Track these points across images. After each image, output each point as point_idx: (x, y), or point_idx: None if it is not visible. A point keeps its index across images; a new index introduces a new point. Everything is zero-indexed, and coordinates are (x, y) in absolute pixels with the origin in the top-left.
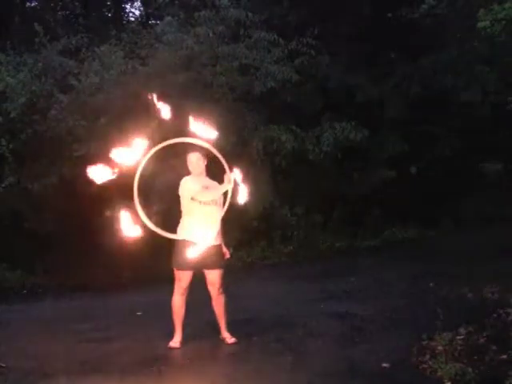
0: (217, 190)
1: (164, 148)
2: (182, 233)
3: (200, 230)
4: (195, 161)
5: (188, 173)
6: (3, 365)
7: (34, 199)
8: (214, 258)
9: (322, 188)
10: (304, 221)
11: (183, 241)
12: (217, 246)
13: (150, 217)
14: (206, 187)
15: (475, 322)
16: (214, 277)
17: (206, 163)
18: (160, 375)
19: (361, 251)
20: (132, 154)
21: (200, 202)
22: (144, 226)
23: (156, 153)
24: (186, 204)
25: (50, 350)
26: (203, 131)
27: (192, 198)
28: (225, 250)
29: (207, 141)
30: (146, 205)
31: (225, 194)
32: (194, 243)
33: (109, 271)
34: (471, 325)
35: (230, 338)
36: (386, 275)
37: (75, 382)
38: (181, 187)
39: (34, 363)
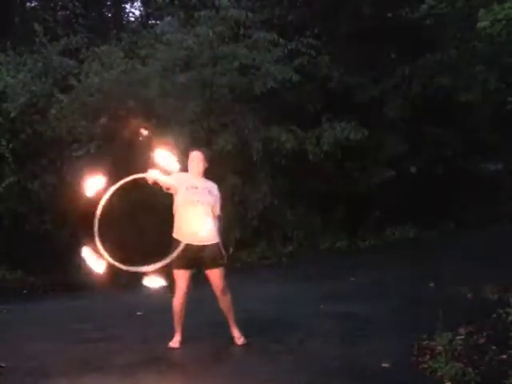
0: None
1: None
2: (175, 232)
3: (188, 229)
4: (196, 160)
5: (186, 170)
6: (3, 365)
7: (34, 199)
8: (212, 257)
9: (322, 188)
10: (304, 221)
11: (178, 242)
12: (212, 245)
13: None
14: (195, 187)
15: (475, 322)
16: (214, 277)
17: (206, 166)
18: (160, 375)
19: (361, 251)
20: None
21: (185, 202)
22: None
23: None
24: (174, 203)
25: (50, 350)
26: (167, 162)
27: (169, 188)
28: (223, 251)
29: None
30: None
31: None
32: (187, 244)
33: (109, 271)
34: (471, 325)
35: (239, 339)
36: (386, 275)
37: (75, 382)
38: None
39: (34, 363)
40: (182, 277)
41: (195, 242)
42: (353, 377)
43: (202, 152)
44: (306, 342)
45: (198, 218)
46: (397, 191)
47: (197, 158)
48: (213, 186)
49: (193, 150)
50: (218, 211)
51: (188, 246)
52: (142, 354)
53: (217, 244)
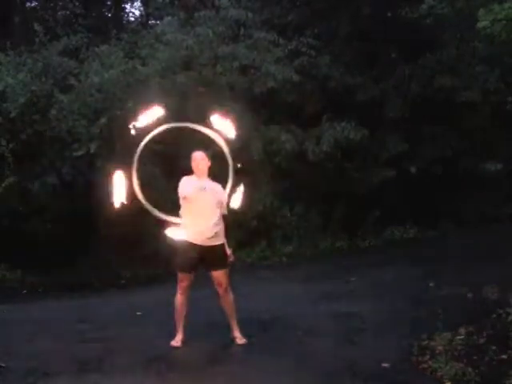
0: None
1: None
2: (181, 233)
3: (196, 230)
4: (199, 160)
5: (191, 172)
6: (3, 365)
7: (34, 199)
8: (217, 258)
9: (321, 188)
10: (304, 221)
11: (184, 242)
12: (219, 245)
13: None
14: (204, 188)
15: (475, 321)
16: (219, 276)
17: (209, 164)
18: (160, 375)
19: (361, 251)
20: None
21: (193, 202)
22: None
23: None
24: (182, 204)
25: (50, 350)
26: (224, 128)
27: (184, 198)
28: (228, 251)
29: (225, 139)
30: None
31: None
32: (193, 244)
33: (109, 271)
34: (471, 325)
35: (240, 339)
36: (386, 275)
37: (75, 382)
38: (179, 187)
39: (34, 363)
40: (185, 278)
41: (202, 243)
42: (353, 377)
43: (204, 151)
44: (305, 342)
45: (205, 219)
46: (397, 191)
47: (200, 158)
48: (218, 186)
49: (195, 151)
50: (225, 211)
51: (195, 246)
52: (142, 354)
53: (223, 244)
